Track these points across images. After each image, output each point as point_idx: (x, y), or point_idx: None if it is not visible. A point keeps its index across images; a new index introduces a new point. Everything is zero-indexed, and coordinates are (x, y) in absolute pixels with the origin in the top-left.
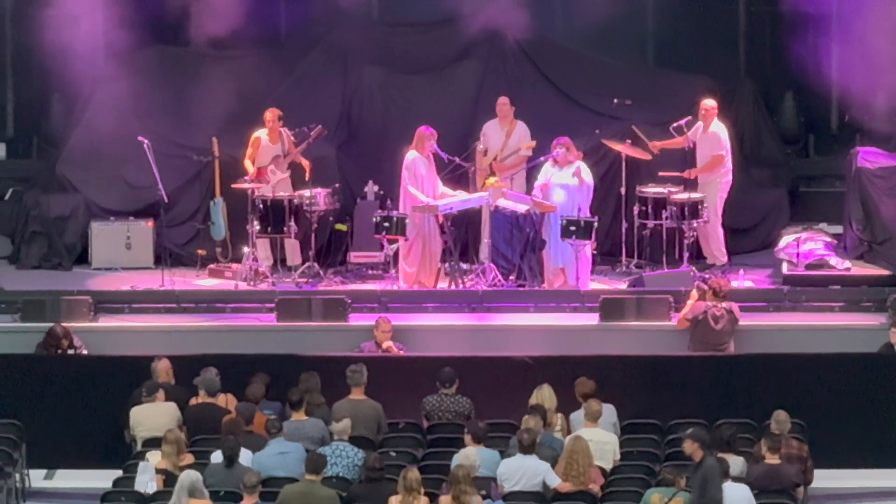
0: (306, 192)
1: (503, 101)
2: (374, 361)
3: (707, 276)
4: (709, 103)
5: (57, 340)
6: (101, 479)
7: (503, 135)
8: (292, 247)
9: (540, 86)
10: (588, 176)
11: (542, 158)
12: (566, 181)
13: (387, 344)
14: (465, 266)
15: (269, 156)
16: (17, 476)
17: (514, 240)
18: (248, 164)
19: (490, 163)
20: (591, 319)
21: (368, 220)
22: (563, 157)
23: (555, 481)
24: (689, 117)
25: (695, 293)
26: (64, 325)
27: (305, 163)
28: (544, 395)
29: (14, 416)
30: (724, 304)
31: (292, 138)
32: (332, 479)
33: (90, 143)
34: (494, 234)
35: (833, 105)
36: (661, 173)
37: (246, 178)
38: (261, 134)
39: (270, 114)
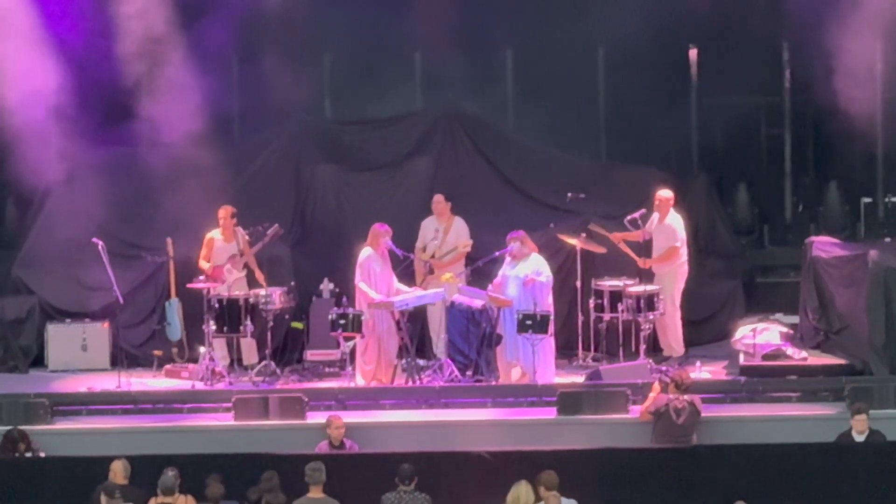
0: (262, 291)
1: (438, 199)
2: (333, 459)
3: (666, 368)
4: (664, 194)
5: (14, 444)
6: None
7: (441, 231)
8: (249, 346)
9: (493, 180)
10: (540, 271)
11: (497, 253)
12: (518, 274)
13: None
14: (421, 362)
15: (223, 255)
16: None
17: (471, 335)
18: (203, 264)
19: (428, 259)
20: (549, 414)
21: (324, 317)
22: (519, 251)
23: None
24: (644, 210)
25: (657, 386)
26: (21, 428)
27: (259, 275)
28: (521, 491)
29: None
30: (685, 397)
31: (247, 238)
32: None
33: (45, 246)
34: (451, 329)
35: (787, 195)
36: (618, 239)
37: (201, 277)
38: (214, 234)
39: (224, 211)
